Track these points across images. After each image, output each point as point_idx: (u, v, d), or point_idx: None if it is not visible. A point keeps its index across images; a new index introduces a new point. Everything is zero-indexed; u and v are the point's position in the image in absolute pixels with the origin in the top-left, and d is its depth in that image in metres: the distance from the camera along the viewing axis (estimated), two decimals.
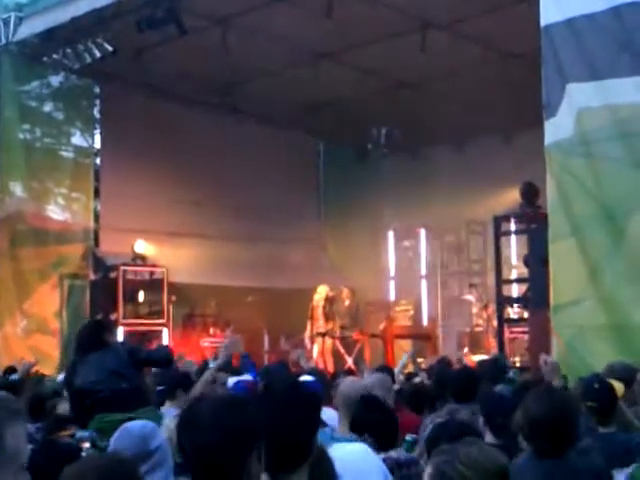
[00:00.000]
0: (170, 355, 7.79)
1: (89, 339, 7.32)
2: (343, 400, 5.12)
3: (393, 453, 4.65)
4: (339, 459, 3.88)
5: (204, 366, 8.77)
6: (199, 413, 2.66)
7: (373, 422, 4.85)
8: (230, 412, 2.65)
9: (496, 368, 8.61)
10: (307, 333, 17.00)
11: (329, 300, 17.07)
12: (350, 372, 12.54)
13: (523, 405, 4.11)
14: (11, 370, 10.42)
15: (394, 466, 4.43)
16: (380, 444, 4.68)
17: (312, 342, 16.94)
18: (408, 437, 5.30)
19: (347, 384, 5.43)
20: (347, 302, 17.31)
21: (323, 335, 16.74)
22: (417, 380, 9.35)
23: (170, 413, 6.64)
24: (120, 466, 2.87)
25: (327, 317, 16.90)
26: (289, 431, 2.91)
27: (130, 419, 5.20)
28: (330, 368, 15.54)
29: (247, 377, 7.84)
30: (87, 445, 5.27)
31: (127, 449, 3.83)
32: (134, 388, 6.87)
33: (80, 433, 5.66)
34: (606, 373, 6.39)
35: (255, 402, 2.90)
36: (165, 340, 15.49)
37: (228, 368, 8.74)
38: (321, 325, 16.83)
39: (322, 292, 17.11)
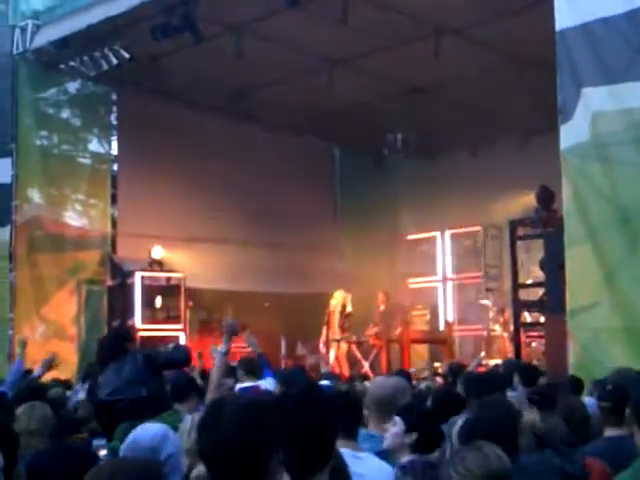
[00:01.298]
0: (188, 354, 7.78)
1: (109, 350, 7.36)
2: (375, 399, 5.10)
3: (415, 456, 4.65)
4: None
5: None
6: (221, 418, 2.63)
7: (428, 424, 4.82)
8: (253, 416, 2.64)
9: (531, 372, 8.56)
10: (322, 338, 17.00)
11: (345, 306, 17.05)
12: (365, 377, 12.55)
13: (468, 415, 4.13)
14: (28, 374, 10.43)
15: (424, 466, 4.44)
16: (424, 446, 4.67)
17: (328, 347, 16.94)
18: None
19: (379, 383, 5.44)
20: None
21: (339, 340, 16.73)
22: (423, 385, 9.31)
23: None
24: (147, 468, 2.92)
25: (341, 323, 16.89)
26: (309, 434, 2.90)
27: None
28: (346, 373, 15.54)
29: (250, 384, 7.85)
30: (104, 453, 5.29)
31: None
32: (152, 394, 6.88)
33: (97, 441, 5.67)
34: (613, 378, 6.41)
35: (274, 405, 2.91)
36: (182, 341, 15.49)
37: (250, 368, 8.77)
38: (337, 330, 16.82)
39: (339, 297, 17.10)
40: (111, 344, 7.52)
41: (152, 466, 3.07)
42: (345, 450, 3.84)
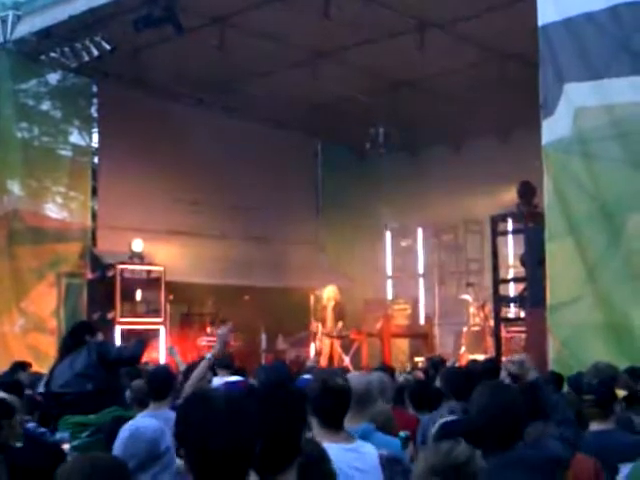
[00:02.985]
0: (139, 352, 7.86)
1: (69, 342, 7.46)
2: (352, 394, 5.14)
3: (384, 451, 4.67)
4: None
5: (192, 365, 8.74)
6: (206, 411, 2.57)
7: None
8: (238, 408, 2.60)
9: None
10: (318, 335, 16.99)
11: (338, 302, 17.06)
12: (347, 371, 12.53)
13: (470, 401, 4.15)
14: (20, 366, 10.29)
15: (389, 461, 4.46)
16: None
17: (314, 342, 16.96)
18: (402, 433, 5.35)
19: (354, 379, 5.47)
20: (332, 303, 17.15)
21: (328, 335, 16.73)
22: (401, 378, 9.31)
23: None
24: (110, 466, 2.90)
25: (336, 318, 16.90)
26: (276, 430, 2.86)
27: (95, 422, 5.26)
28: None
29: (237, 378, 7.86)
30: (67, 446, 5.29)
31: (138, 453, 3.82)
32: (99, 389, 6.95)
33: (60, 434, 5.68)
34: (591, 372, 6.45)
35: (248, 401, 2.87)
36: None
37: (224, 363, 8.80)
38: (329, 326, 16.82)
39: (330, 293, 17.11)
40: (71, 336, 7.62)
41: (120, 465, 3.06)
42: (333, 445, 3.80)
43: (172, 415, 5.50)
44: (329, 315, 16.86)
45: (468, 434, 3.65)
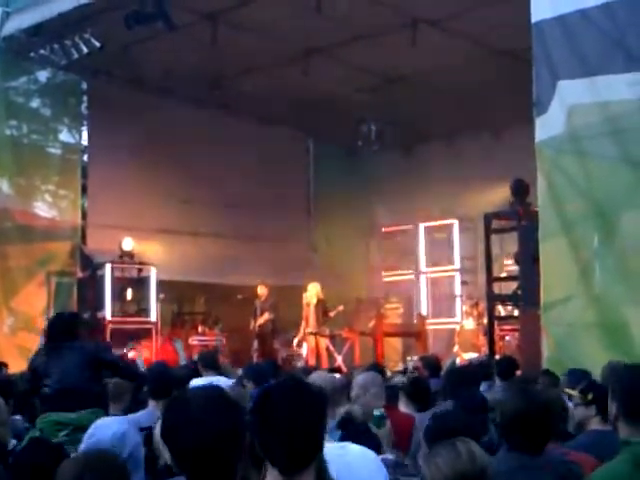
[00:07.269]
0: (136, 372, 7.68)
1: (60, 328, 7.14)
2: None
3: (389, 455, 4.63)
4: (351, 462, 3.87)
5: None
6: (193, 411, 2.60)
7: None
8: (224, 406, 2.64)
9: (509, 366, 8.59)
10: (300, 334, 16.86)
11: (320, 298, 16.92)
12: (339, 370, 12.45)
13: (501, 401, 4.15)
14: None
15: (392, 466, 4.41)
16: None
17: (301, 341, 16.83)
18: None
19: (318, 377, 5.41)
20: (315, 300, 16.99)
21: (315, 334, 16.58)
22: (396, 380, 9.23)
23: None
24: (113, 464, 2.95)
25: (318, 316, 16.75)
26: (308, 425, 2.76)
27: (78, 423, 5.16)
28: (325, 366, 15.45)
29: (223, 379, 7.79)
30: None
31: None
32: (82, 389, 6.68)
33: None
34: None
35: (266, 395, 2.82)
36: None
37: (209, 363, 8.77)
38: (313, 324, 16.67)
39: (312, 290, 16.97)
40: (63, 323, 7.30)
41: (117, 461, 3.08)
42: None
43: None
44: (312, 312, 16.69)
45: (460, 428, 3.62)
